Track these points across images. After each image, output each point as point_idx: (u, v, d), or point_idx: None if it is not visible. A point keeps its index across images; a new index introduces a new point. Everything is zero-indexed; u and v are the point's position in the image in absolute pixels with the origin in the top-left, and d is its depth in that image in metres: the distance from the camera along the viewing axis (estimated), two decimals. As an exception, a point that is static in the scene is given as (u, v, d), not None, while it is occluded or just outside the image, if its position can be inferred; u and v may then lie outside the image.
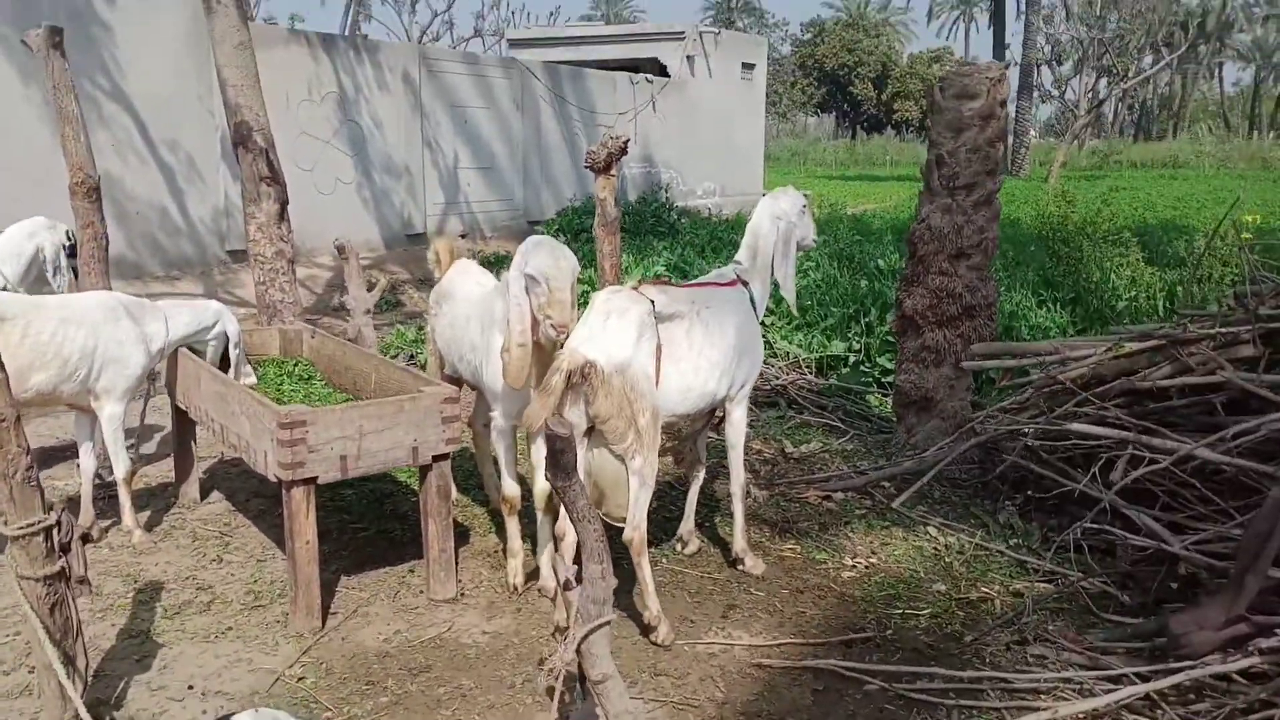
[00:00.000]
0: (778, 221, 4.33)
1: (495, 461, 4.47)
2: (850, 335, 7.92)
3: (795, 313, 4.80)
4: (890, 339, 7.28)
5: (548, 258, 3.72)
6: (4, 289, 5.03)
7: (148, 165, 10.72)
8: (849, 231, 12.76)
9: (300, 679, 3.52)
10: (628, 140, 5.32)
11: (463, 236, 13.92)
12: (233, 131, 7.01)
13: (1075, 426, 4.62)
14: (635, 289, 3.84)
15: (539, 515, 4.13)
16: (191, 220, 11.18)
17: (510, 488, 4.20)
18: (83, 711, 2.87)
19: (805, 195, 4.57)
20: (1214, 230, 7.90)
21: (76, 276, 5.51)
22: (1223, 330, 4.58)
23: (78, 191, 5.55)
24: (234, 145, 7.06)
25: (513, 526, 4.22)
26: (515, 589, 4.19)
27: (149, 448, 5.94)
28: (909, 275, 5.71)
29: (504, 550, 4.35)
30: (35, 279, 5.35)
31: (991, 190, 5.52)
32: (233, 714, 2.01)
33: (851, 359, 7.65)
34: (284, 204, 7.00)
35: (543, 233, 13.72)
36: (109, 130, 10.21)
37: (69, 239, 5.49)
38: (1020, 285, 9.21)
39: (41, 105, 8.88)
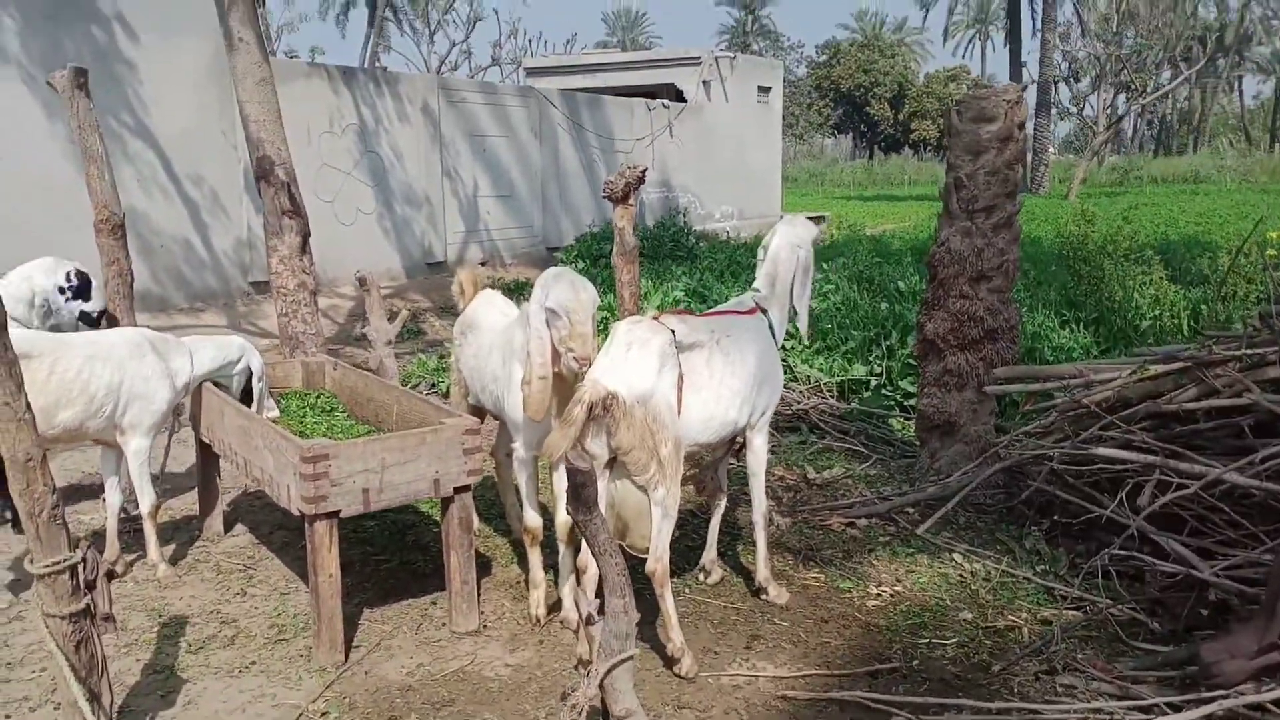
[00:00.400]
0: (797, 250, 4.34)
1: (517, 492, 4.47)
2: (871, 358, 7.89)
3: (807, 340, 4.83)
4: (912, 361, 7.24)
5: (568, 290, 3.73)
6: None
7: (172, 200, 10.87)
8: (868, 253, 12.75)
9: (324, 714, 3.52)
10: (645, 170, 5.35)
11: (482, 264, 14.03)
12: (255, 166, 7.11)
13: (1101, 451, 4.57)
14: (656, 319, 3.85)
15: (561, 546, 4.13)
16: (215, 253, 11.32)
17: (532, 519, 4.20)
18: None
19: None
20: (1238, 248, 7.83)
21: (97, 318, 5.50)
22: (1249, 351, 4.53)
23: (103, 229, 5.64)
24: (256, 179, 7.16)
25: (535, 557, 4.22)
26: (538, 620, 4.18)
27: (174, 482, 5.98)
28: (929, 299, 5.69)
29: (526, 581, 4.35)
30: (45, 318, 5.31)
31: (1011, 212, 5.50)
32: None
33: (873, 382, 7.61)
34: (306, 236, 7.09)
35: (562, 259, 13.86)
36: (133, 166, 10.37)
37: (70, 280, 5.37)
38: (1042, 306, 9.16)
39: (66, 142, 9.02)
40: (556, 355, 3.76)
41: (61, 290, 5.36)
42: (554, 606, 4.23)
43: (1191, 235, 15.84)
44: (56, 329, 5.17)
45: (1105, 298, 9.13)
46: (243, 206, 11.44)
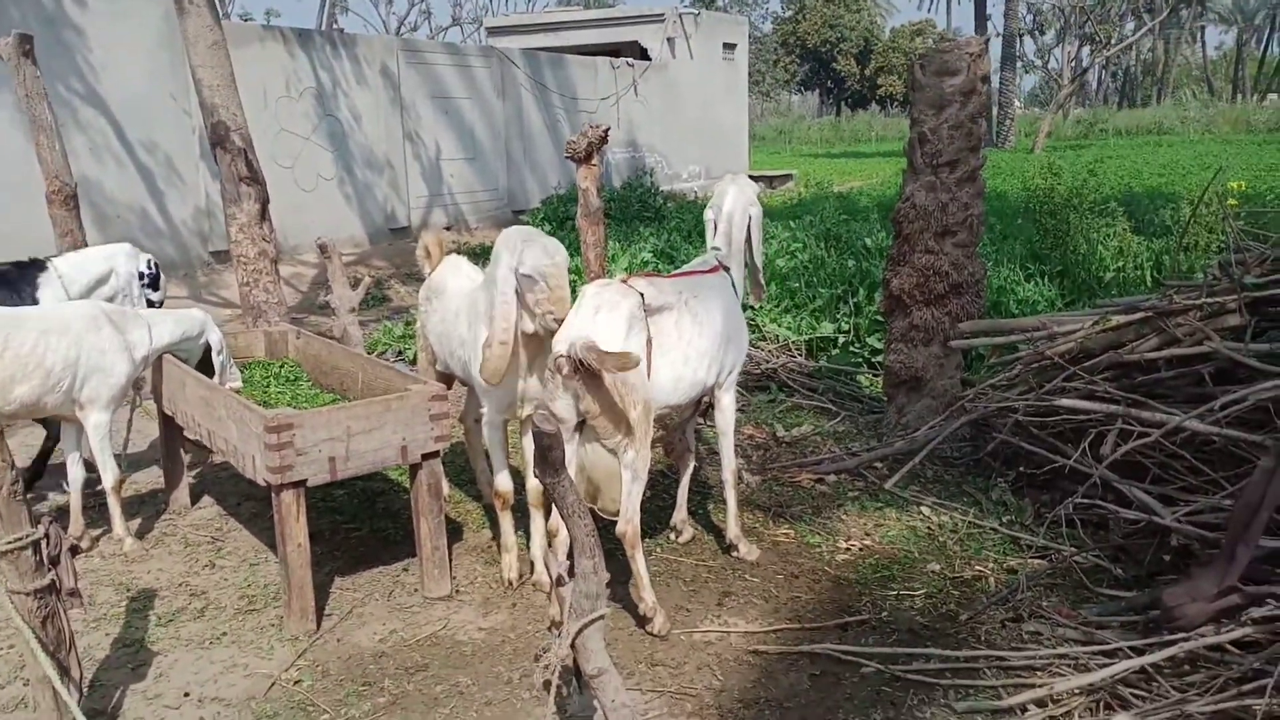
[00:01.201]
0: (750, 208, 4.41)
1: (487, 457, 4.46)
2: (839, 316, 7.91)
3: (760, 301, 4.88)
4: (879, 318, 7.27)
5: (542, 255, 3.69)
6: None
7: (126, 168, 10.64)
8: (835, 211, 12.73)
9: (297, 682, 3.51)
10: (608, 129, 5.29)
11: (447, 229, 13.88)
12: (210, 132, 6.97)
13: (1064, 401, 4.63)
14: (624, 281, 3.84)
15: (532, 511, 4.13)
16: (173, 222, 11.12)
17: (503, 483, 4.19)
18: (80, 718, 2.86)
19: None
20: (1199, 198, 7.89)
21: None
22: (1209, 300, 4.58)
23: (55, 200, 5.52)
24: (212, 146, 7.02)
25: (506, 522, 4.22)
26: (510, 584, 4.19)
27: (137, 456, 5.91)
28: (895, 255, 5.70)
29: (498, 546, 4.35)
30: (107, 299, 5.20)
31: (975, 167, 5.51)
32: None
33: (841, 340, 7.64)
34: (265, 203, 6.97)
35: (528, 222, 13.74)
36: (85, 134, 10.13)
37: (150, 268, 5.49)
38: (1008, 260, 9.21)
39: (14, 111, 8.79)
40: (521, 320, 3.74)
41: (141, 276, 5.43)
42: (526, 570, 4.24)
43: (1155, 187, 15.97)
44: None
45: (1070, 251, 9.20)
46: (199, 174, 11.23)
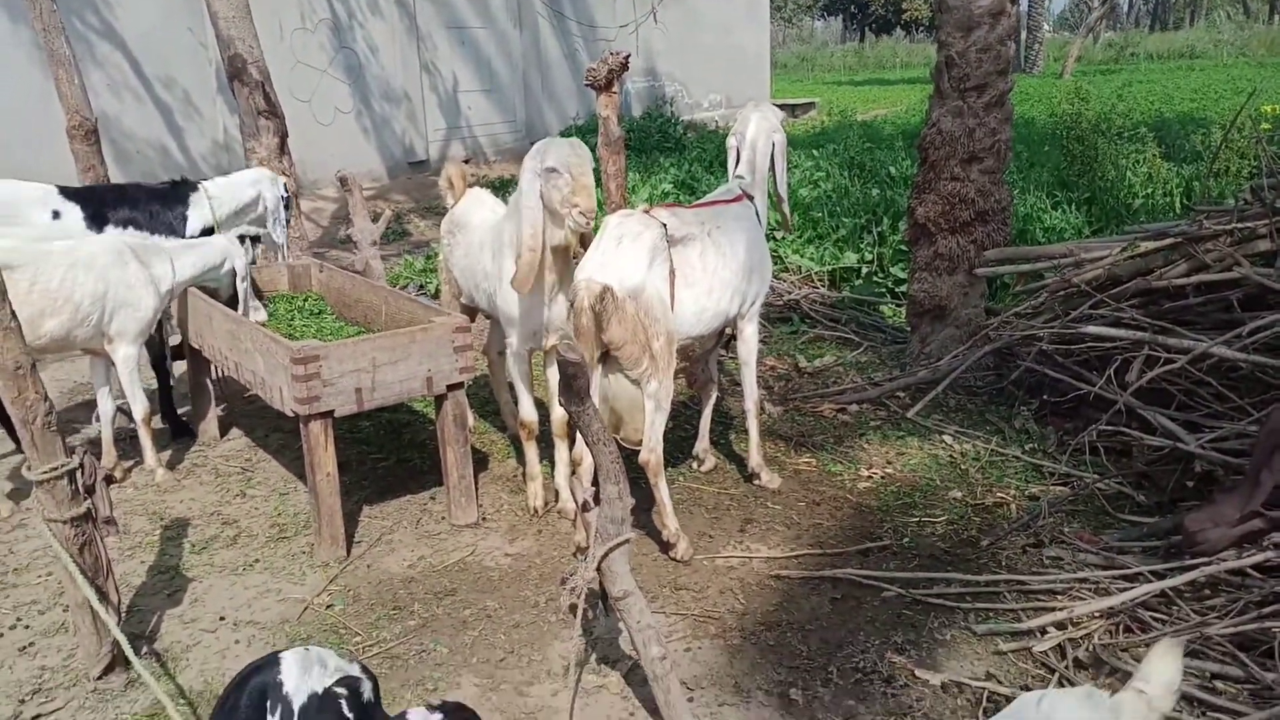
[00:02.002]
0: (773, 135, 4.34)
1: (511, 389, 4.49)
2: (862, 246, 7.84)
3: (791, 229, 4.83)
4: (903, 248, 7.20)
5: (566, 148, 3.70)
6: (211, 228, 5.15)
7: (144, 103, 10.60)
8: (859, 139, 12.53)
9: (329, 606, 3.60)
10: (628, 56, 5.21)
11: (465, 162, 13.77)
12: (227, 65, 6.91)
13: (1090, 329, 4.59)
14: (646, 212, 3.82)
15: (556, 441, 4.17)
16: (192, 157, 11.09)
17: (527, 412, 4.23)
18: (122, 640, 2.94)
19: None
20: (1231, 123, 7.71)
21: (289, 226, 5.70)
22: (1239, 225, 4.51)
23: (75, 135, 5.51)
24: (229, 79, 6.98)
25: (530, 451, 4.26)
26: (535, 512, 4.24)
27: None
28: (920, 182, 5.62)
29: (523, 475, 4.40)
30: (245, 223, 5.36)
31: (1003, 91, 5.39)
32: (280, 650, 2.06)
33: (864, 270, 7.58)
34: (283, 137, 6.94)
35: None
36: (103, 70, 10.07)
37: (287, 192, 5.62)
38: (1034, 187, 9.06)
39: (31, 47, 8.74)
40: (551, 224, 3.75)
41: (283, 200, 5.52)
42: (551, 498, 4.30)
43: (1186, 112, 15.58)
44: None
45: (1098, 177, 9.03)
46: (217, 108, 11.17)
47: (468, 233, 4.49)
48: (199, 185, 5.23)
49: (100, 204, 4.92)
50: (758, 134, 4.32)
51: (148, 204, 5.03)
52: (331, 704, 1.99)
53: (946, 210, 5.46)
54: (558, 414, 4.10)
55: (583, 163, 3.68)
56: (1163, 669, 1.80)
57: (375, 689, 2.08)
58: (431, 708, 2.00)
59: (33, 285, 4.14)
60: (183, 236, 5.02)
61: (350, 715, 1.99)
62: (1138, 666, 1.84)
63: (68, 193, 4.88)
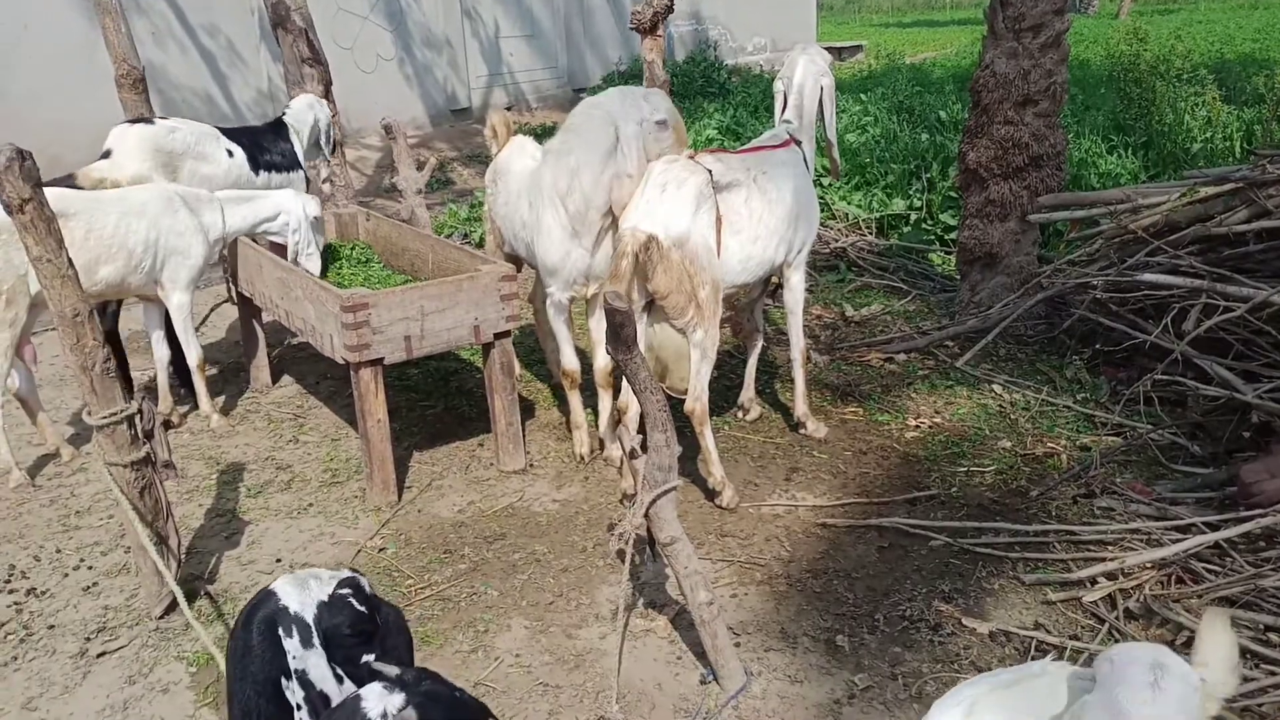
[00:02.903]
0: (821, 79, 4.26)
1: (553, 337, 4.50)
2: (911, 192, 7.70)
3: (838, 177, 4.74)
4: (953, 194, 7.07)
5: (667, 101, 3.79)
6: (295, 161, 5.56)
7: (189, 53, 10.64)
8: (908, 82, 12.25)
9: (381, 550, 3.67)
10: (673, -2, 5.12)
11: (508, 109, 13.71)
12: (270, 12, 6.91)
13: (1147, 276, 4.49)
14: (691, 158, 3.77)
15: (600, 390, 4.18)
16: (237, 105, 11.14)
17: (569, 361, 4.24)
18: (178, 592, 3.04)
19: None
20: (1298, 62, 7.43)
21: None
22: (1306, 169, 4.36)
23: (124, 84, 5.54)
24: (273, 26, 6.97)
25: (574, 400, 4.28)
26: (581, 459, 4.28)
27: (218, 334, 6.08)
28: (972, 126, 5.49)
29: (568, 423, 4.43)
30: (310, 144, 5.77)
31: (1060, 31, 5.22)
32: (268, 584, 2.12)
33: (913, 217, 7.46)
34: (328, 85, 6.95)
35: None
36: (147, 19, 10.11)
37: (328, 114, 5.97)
38: (1090, 131, 8.82)
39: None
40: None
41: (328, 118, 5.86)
42: (597, 445, 4.33)
43: (1248, 53, 15.04)
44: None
45: (1155, 121, 8.77)
46: (260, 57, 11.18)
47: (508, 180, 4.47)
48: (284, 121, 5.62)
49: (249, 144, 5.39)
50: (805, 78, 4.24)
51: (274, 140, 5.52)
52: (342, 604, 2.08)
53: (999, 155, 5.34)
54: (600, 363, 4.10)
55: (676, 114, 3.78)
56: (1218, 644, 1.65)
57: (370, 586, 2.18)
58: (392, 682, 1.77)
59: (89, 233, 4.20)
60: (298, 161, 5.53)
61: (362, 608, 2.09)
62: (1191, 628, 1.75)
63: (229, 133, 5.37)
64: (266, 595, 2.08)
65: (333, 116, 6.05)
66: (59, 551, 3.74)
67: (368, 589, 2.15)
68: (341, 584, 2.12)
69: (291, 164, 5.50)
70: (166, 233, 4.44)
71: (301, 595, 2.07)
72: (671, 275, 3.55)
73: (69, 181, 4.57)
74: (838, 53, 19.92)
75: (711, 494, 3.88)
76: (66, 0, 9.23)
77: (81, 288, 2.98)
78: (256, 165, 5.33)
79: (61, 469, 4.40)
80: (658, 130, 3.71)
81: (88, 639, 3.22)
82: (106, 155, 4.77)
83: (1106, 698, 1.55)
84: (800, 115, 4.24)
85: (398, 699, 1.71)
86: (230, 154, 5.22)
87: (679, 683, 2.92)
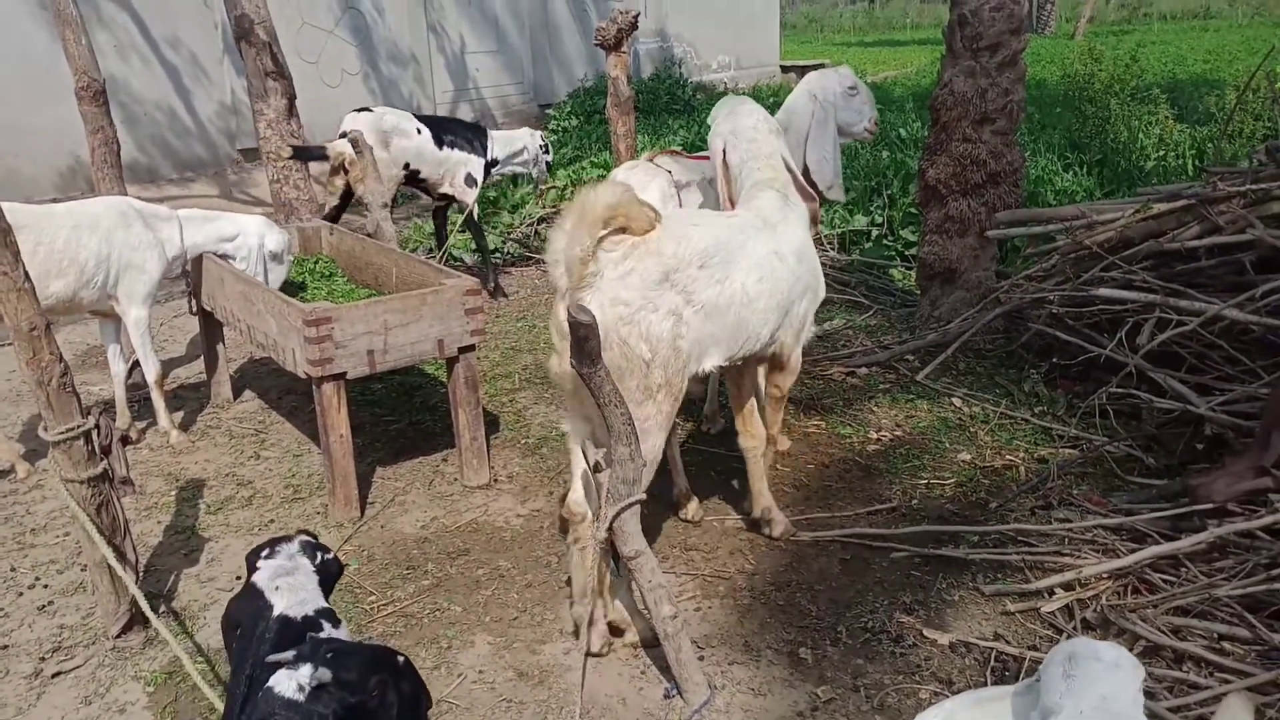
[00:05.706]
0: (814, 100, 3.99)
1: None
2: (872, 209, 7.80)
3: (840, 197, 4.33)
4: (913, 211, 7.16)
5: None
6: (490, 163, 6.70)
7: (151, 66, 10.52)
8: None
9: (344, 566, 3.63)
10: (638, 15, 5.16)
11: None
12: (234, 26, 6.87)
13: (1102, 291, 4.58)
14: (650, 160, 3.87)
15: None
16: (200, 120, 11.03)
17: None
18: (140, 598, 2.99)
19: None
20: (1246, 83, 7.62)
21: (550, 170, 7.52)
22: (1253, 187, 4.47)
23: (84, 96, 5.49)
24: (236, 40, 6.93)
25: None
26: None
27: (175, 351, 6.01)
28: (932, 143, 5.58)
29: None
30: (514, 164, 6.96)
31: (1016, 50, 5.33)
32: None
33: (874, 233, 7.55)
34: (292, 99, 6.91)
35: (554, 116, 13.53)
36: (109, 31, 10.00)
37: (543, 140, 7.11)
38: (1046, 149, 8.98)
39: (37, 7, 8.68)
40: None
41: (545, 149, 7.13)
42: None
43: (1200, 73, 15.40)
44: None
45: (1110, 139, 8.96)
46: (224, 69, 11.09)
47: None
48: (488, 132, 6.79)
49: (434, 125, 6.50)
50: (798, 95, 4.05)
51: (461, 128, 6.71)
52: (307, 546, 2.34)
53: (958, 172, 5.43)
54: (555, 371, 4.10)
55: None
56: None
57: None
58: (293, 661, 1.79)
59: (37, 246, 4.14)
60: (484, 157, 6.63)
61: (323, 548, 2.38)
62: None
63: (419, 117, 6.55)
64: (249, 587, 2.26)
65: (542, 133, 7.17)
66: (13, 570, 3.67)
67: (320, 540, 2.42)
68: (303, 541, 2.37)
69: (474, 150, 6.56)
70: (120, 247, 4.38)
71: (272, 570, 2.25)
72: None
73: (322, 153, 6.04)
74: (800, 71, 20.12)
75: (676, 506, 3.89)
76: (27, 11, 9.11)
77: (38, 303, 2.94)
78: (440, 142, 6.41)
79: (17, 486, 4.33)
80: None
81: (43, 659, 3.16)
82: (343, 136, 5.78)
83: (1040, 704, 1.60)
84: (785, 131, 4.17)
85: (304, 670, 1.76)
86: (419, 131, 6.34)
87: (643, 697, 2.92)
